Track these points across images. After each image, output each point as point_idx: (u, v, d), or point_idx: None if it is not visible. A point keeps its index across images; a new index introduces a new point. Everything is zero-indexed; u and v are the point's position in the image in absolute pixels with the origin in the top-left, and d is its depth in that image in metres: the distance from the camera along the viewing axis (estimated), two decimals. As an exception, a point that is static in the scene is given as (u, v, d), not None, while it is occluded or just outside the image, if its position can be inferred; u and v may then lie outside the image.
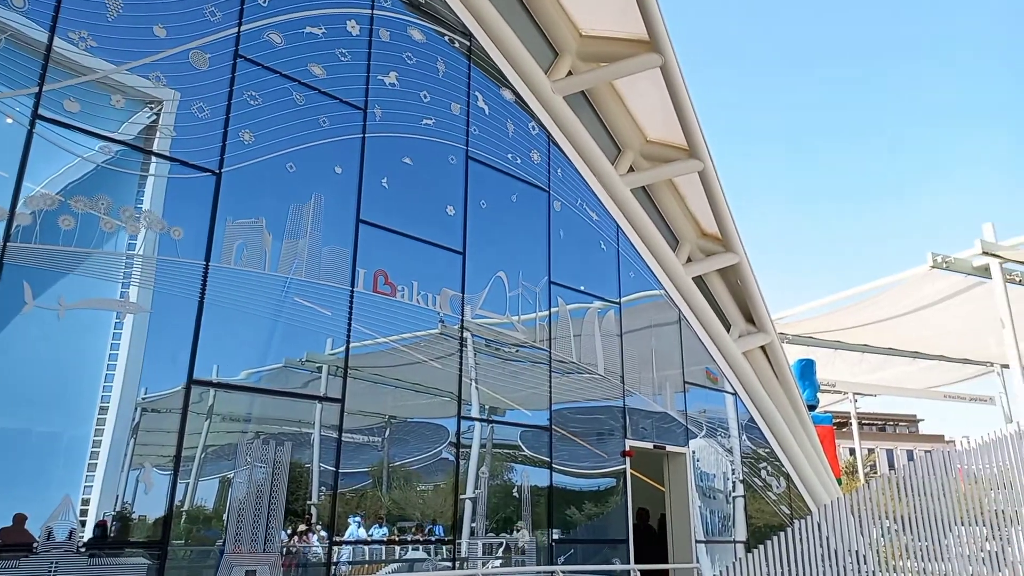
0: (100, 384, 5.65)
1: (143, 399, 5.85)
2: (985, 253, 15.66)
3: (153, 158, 6.33)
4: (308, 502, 6.67)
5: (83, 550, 5.30)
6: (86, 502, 5.45)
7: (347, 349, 7.23)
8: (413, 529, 7.53)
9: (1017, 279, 16.30)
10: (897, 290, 17.65)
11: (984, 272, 16.08)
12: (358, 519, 7.08)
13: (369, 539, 7.10)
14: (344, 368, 7.17)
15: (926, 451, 10.36)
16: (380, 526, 7.26)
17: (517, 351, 8.96)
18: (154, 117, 6.43)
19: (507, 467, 8.60)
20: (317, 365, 7.06)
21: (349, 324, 7.31)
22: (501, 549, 8.14)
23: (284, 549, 6.37)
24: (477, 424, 8.27)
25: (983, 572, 9.56)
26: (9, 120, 5.55)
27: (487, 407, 8.44)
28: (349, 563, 6.95)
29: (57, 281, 5.55)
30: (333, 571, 6.62)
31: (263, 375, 6.69)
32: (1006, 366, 19.85)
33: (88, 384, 5.64)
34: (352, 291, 7.42)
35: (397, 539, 7.28)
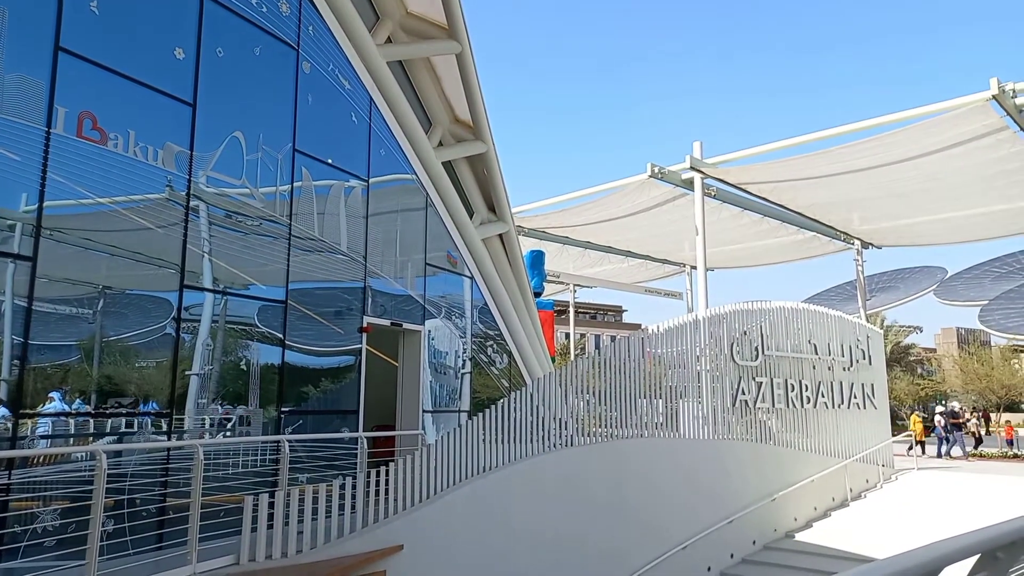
0: None
1: None
2: (692, 168, 17.90)
3: None
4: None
5: None
6: None
7: (41, 198, 6.17)
8: (128, 405, 6.92)
9: (712, 193, 18.96)
10: (620, 195, 19.58)
11: (689, 185, 18.45)
12: (60, 394, 6.32)
13: (67, 412, 6.38)
14: (37, 224, 6.14)
15: (624, 336, 11.94)
16: (86, 402, 6.56)
17: (256, 223, 8.37)
18: None
19: (240, 344, 8.19)
20: (9, 223, 5.96)
21: (44, 169, 6.20)
22: (229, 424, 7.87)
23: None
24: (209, 298, 7.69)
25: (656, 435, 11.52)
26: None
27: (220, 281, 7.86)
28: (47, 437, 6.22)
29: None
30: (26, 445, 5.87)
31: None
32: (695, 267, 23.32)
33: None
34: (48, 132, 6.27)
35: (104, 412, 6.64)
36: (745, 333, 13.54)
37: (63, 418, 6.36)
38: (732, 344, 13.22)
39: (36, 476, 5.90)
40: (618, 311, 72.51)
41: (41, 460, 6.03)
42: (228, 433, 7.88)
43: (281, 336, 8.55)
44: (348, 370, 9.64)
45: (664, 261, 27.10)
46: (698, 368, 12.77)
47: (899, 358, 45.73)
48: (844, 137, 15.88)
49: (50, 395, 6.27)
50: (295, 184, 9.01)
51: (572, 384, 10.30)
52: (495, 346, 12.59)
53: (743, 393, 13.13)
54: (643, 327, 12.33)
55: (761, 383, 13.53)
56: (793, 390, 14.15)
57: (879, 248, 25.45)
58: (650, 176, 18.00)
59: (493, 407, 8.79)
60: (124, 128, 6.96)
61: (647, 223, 21.87)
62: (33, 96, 6.22)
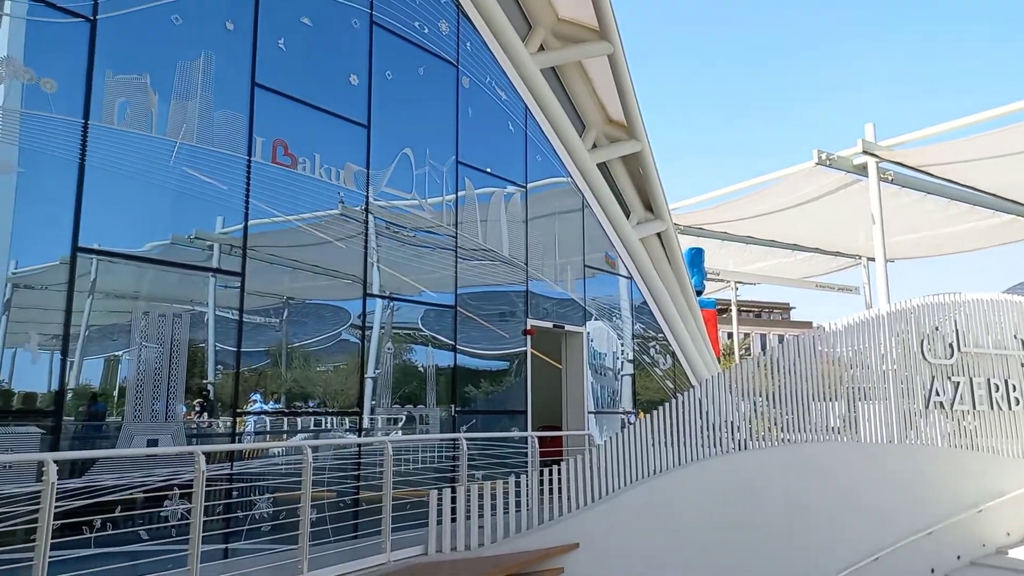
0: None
1: (14, 273, 5.40)
2: (865, 152, 16.61)
3: (10, -3, 5.54)
4: (204, 381, 6.53)
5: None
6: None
7: (245, 221, 6.91)
8: (316, 405, 7.58)
9: (889, 178, 17.47)
10: (783, 185, 18.56)
11: (862, 170, 17.11)
12: (258, 396, 7.04)
13: (276, 410, 7.09)
14: (243, 243, 6.88)
15: (795, 335, 11.30)
16: (278, 402, 7.24)
17: (415, 235, 8.80)
18: (10, -52, 5.59)
19: (413, 348, 8.70)
20: (208, 243, 6.72)
21: (247, 194, 6.94)
22: (401, 422, 8.35)
23: (187, 423, 6.28)
24: (379, 305, 8.23)
25: (836, 439, 10.79)
26: None
27: (393, 289, 8.37)
28: (252, 434, 6.96)
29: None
30: (237, 441, 6.61)
31: (149, 250, 6.28)
32: (872, 259, 21.63)
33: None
34: (249, 160, 7.01)
35: (297, 411, 7.31)
36: (937, 329, 12.34)
37: (263, 417, 7.08)
38: (922, 341, 12.09)
39: (251, 468, 6.60)
40: (785, 308, 68.61)
41: (252, 454, 6.74)
42: (400, 431, 8.36)
43: (449, 339, 8.97)
44: (514, 371, 9.92)
45: (836, 253, 25.28)
46: (882, 368, 11.79)
47: None
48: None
49: (252, 397, 6.99)
50: (459, 194, 9.43)
51: (742, 386, 9.90)
52: (657, 347, 12.39)
53: (937, 394, 11.96)
54: (815, 325, 11.58)
55: (958, 383, 12.25)
56: (997, 390, 12.67)
57: (1097, 228, 22.18)
58: (817, 164, 16.88)
59: (660, 409, 8.66)
60: (311, 152, 7.63)
61: (815, 213, 20.53)
62: (236, 129, 6.99)
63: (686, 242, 20.12)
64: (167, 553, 5.30)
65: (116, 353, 5.96)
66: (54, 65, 5.69)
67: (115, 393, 5.91)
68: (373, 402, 8.02)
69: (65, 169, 5.69)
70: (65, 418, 5.54)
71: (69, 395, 5.61)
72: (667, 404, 8.79)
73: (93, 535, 5.24)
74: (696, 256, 16.36)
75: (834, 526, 9.81)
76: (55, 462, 4.32)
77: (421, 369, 8.72)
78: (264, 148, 7.20)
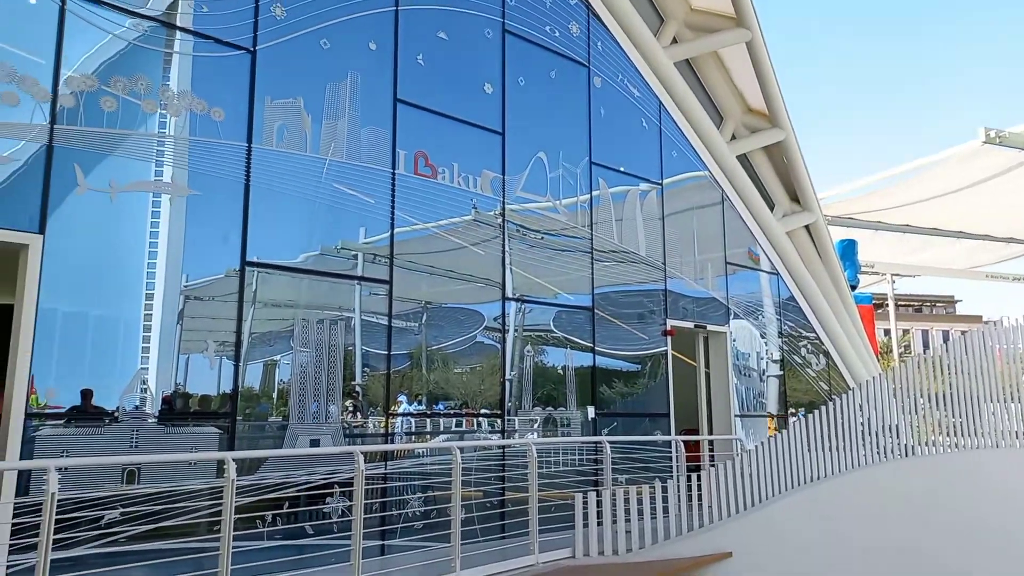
0: (144, 269, 5.71)
1: (186, 286, 5.91)
2: (1044, 126, 14.86)
3: (178, 35, 6.09)
4: (352, 382, 6.85)
5: (155, 421, 5.58)
6: (144, 382, 5.65)
7: (392, 230, 7.21)
8: (458, 406, 7.76)
9: (1075, 153, 15.52)
10: (945, 167, 16.97)
11: (1041, 146, 15.32)
12: (404, 396, 7.31)
13: (421, 412, 7.34)
14: (390, 252, 7.18)
15: (962, 331, 10.24)
16: (420, 403, 7.47)
17: (543, 237, 8.76)
18: (181, -9, 6.15)
19: (549, 349, 8.71)
20: (353, 253, 7.06)
21: (392, 206, 7.24)
22: (535, 424, 8.36)
23: (343, 423, 6.63)
24: (512, 308, 8.30)
25: (1015, 446, 9.68)
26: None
27: (520, 292, 8.40)
28: (402, 434, 7.23)
29: (101, 163, 5.52)
30: (389, 440, 6.91)
31: (303, 262, 6.68)
32: (1054, 244, 19.30)
33: (133, 269, 5.68)
34: (394, 173, 7.31)
35: (439, 412, 7.51)
36: None
37: (409, 418, 7.34)
38: (1125, 335, 10.60)
39: (403, 468, 6.87)
40: (949, 301, 62.58)
41: (402, 454, 7.01)
42: (540, 432, 8.36)
43: (584, 340, 8.90)
44: (654, 373, 9.69)
45: (1010, 240, 22.78)
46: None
47: None
48: None
49: (398, 398, 7.26)
50: (593, 194, 9.36)
51: (908, 388, 9.12)
52: (809, 346, 11.70)
53: None
54: (985, 319, 10.45)
55: None
56: None
57: None
58: (985, 142, 15.31)
59: (816, 412, 8.16)
60: (449, 161, 7.85)
61: (982, 196, 18.61)
62: (381, 144, 7.31)
63: (837, 233, 18.87)
64: (329, 548, 5.61)
65: (275, 357, 6.39)
66: (221, 95, 6.20)
67: (274, 395, 6.35)
68: (510, 404, 8.10)
69: (233, 189, 6.19)
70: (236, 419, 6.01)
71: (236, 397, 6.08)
72: (824, 407, 8.28)
73: (265, 528, 5.65)
74: (848, 248, 15.31)
75: (1019, 545, 8.80)
76: (234, 460, 4.68)
77: (560, 371, 8.72)
78: (407, 160, 7.48)
